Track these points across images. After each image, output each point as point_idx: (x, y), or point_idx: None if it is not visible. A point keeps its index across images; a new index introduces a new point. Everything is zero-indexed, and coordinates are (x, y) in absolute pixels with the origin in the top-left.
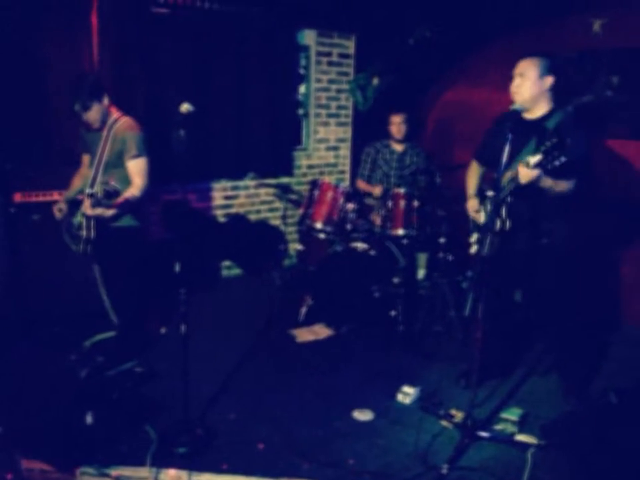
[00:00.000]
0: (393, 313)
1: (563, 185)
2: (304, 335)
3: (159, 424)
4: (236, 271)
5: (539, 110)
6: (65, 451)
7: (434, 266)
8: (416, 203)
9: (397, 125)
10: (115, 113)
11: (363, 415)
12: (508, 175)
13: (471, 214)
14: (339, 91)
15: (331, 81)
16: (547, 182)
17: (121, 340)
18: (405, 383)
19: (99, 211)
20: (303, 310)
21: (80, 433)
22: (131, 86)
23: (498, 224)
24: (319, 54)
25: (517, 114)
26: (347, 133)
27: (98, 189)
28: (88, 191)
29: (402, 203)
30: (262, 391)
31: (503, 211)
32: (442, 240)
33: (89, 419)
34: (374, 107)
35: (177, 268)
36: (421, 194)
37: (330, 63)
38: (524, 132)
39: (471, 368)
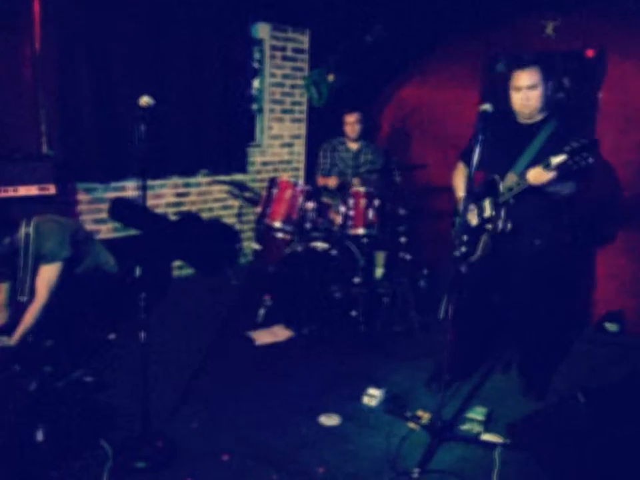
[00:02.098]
0: (353, 313)
1: (568, 188)
2: (263, 336)
3: (115, 437)
4: (188, 271)
5: (538, 115)
6: (14, 471)
7: (391, 265)
8: (376, 202)
9: (350, 124)
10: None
11: (329, 420)
12: (511, 177)
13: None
14: (293, 86)
15: (285, 76)
16: (558, 186)
17: (64, 347)
18: (369, 385)
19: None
20: (262, 311)
21: (30, 451)
22: (77, 81)
23: (500, 225)
24: (273, 48)
25: (512, 117)
26: (301, 129)
27: None
28: None
29: (362, 202)
30: (223, 397)
31: (503, 213)
32: (403, 239)
33: (39, 435)
34: (330, 103)
35: (138, 272)
36: (381, 193)
37: (284, 58)
38: (522, 136)
39: (440, 371)
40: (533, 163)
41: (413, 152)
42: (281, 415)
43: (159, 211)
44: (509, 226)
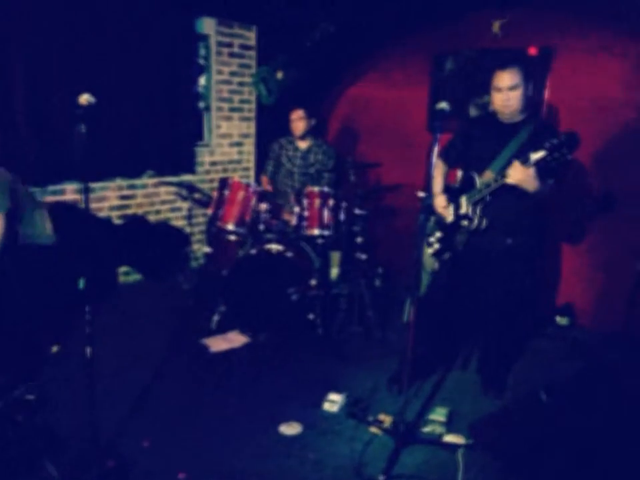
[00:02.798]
0: (311, 316)
1: (546, 186)
2: (218, 343)
3: (62, 458)
4: (136, 277)
5: (519, 115)
6: None
7: (347, 265)
8: (331, 202)
9: (295, 121)
10: None
11: (290, 429)
12: (489, 175)
13: (439, 211)
14: (241, 83)
15: (232, 73)
16: (535, 184)
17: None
18: (330, 390)
19: None
20: (215, 317)
21: None
22: (8, 79)
23: (475, 222)
24: (220, 44)
25: (493, 117)
26: (250, 128)
27: None
28: None
29: (317, 202)
30: (177, 411)
31: (479, 210)
32: (358, 239)
33: None
34: (280, 101)
35: (82, 284)
36: (335, 192)
37: (231, 54)
38: (502, 135)
39: (402, 372)
40: (512, 161)
41: (366, 150)
42: (239, 426)
43: (103, 214)
44: (485, 223)
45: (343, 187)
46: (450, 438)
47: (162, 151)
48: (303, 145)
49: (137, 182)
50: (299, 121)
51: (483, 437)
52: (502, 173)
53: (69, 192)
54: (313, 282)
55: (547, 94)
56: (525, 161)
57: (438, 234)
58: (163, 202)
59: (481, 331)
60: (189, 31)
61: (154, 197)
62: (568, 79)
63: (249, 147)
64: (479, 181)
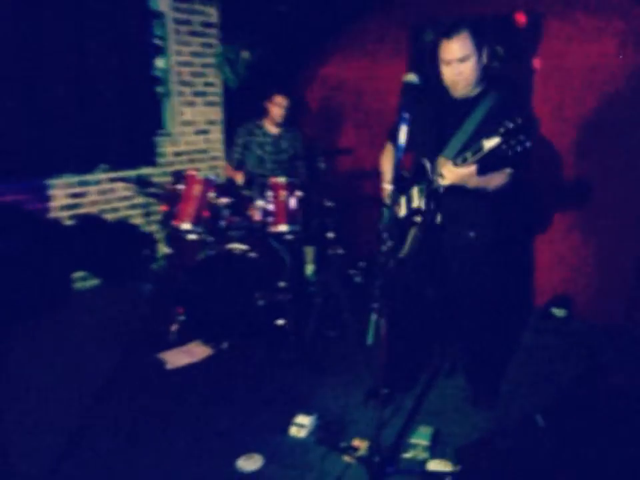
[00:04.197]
0: (280, 322)
1: (497, 180)
2: (177, 357)
3: None
4: (93, 282)
5: (474, 89)
6: None
7: (323, 261)
8: (299, 194)
9: (280, 107)
10: None
11: (249, 463)
12: (443, 162)
13: (388, 203)
14: (204, 65)
15: (194, 54)
16: (478, 180)
17: None
18: (299, 409)
19: None
20: (175, 327)
21: None
22: None
23: (429, 217)
24: (177, 22)
25: (445, 91)
26: (217, 114)
27: None
28: None
29: (283, 194)
30: (123, 443)
31: (432, 204)
32: (330, 234)
33: None
34: (247, 83)
35: None
36: (303, 183)
37: (192, 33)
38: (456, 113)
39: (379, 385)
40: (468, 144)
41: (337, 135)
42: (191, 461)
43: (51, 215)
44: (439, 218)
45: (312, 176)
46: (435, 465)
47: (117, 142)
48: (274, 130)
49: (90, 178)
50: (281, 108)
51: (472, 463)
52: (457, 159)
53: (9, 192)
54: (283, 283)
55: (536, 64)
56: (476, 150)
57: (391, 230)
58: (121, 198)
59: (465, 331)
60: (141, 8)
61: (110, 194)
62: (559, 48)
63: (217, 134)
64: (430, 170)
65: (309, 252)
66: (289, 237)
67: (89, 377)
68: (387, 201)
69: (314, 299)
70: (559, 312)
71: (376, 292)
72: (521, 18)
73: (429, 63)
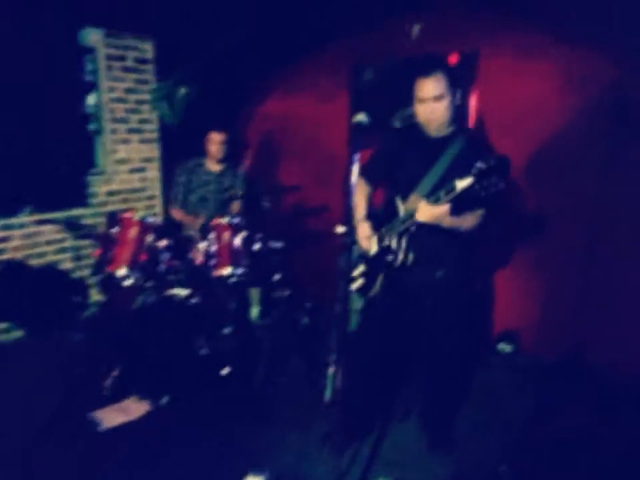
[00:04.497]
0: (225, 370)
1: (470, 220)
2: (111, 417)
3: None
4: (16, 334)
5: (447, 129)
6: None
7: (269, 303)
8: (243, 234)
9: (217, 144)
10: None
11: None
12: (415, 200)
13: (361, 242)
14: (139, 102)
15: (128, 90)
16: (452, 220)
17: None
18: (248, 467)
19: None
20: (108, 382)
21: None
22: None
23: (400, 257)
24: (110, 58)
25: (419, 130)
26: (153, 151)
27: None
28: None
29: (226, 236)
30: None
31: (404, 242)
32: (276, 276)
33: None
34: (186, 120)
35: None
36: (247, 223)
37: (125, 69)
38: (429, 151)
39: (333, 432)
40: (440, 184)
41: (281, 172)
42: None
43: None
44: (411, 258)
45: (256, 216)
46: None
47: (44, 183)
48: (216, 167)
49: (13, 221)
50: (217, 144)
51: None
52: (430, 197)
53: None
54: (227, 330)
55: (473, 102)
56: (449, 190)
57: (362, 267)
58: (49, 242)
59: (421, 373)
60: (71, 43)
61: (36, 237)
62: (495, 85)
63: (153, 172)
64: (402, 208)
65: (254, 293)
66: (233, 280)
67: (8, 446)
68: (359, 238)
69: (261, 344)
70: (506, 347)
71: (332, 343)
72: (452, 59)
73: (370, 102)
